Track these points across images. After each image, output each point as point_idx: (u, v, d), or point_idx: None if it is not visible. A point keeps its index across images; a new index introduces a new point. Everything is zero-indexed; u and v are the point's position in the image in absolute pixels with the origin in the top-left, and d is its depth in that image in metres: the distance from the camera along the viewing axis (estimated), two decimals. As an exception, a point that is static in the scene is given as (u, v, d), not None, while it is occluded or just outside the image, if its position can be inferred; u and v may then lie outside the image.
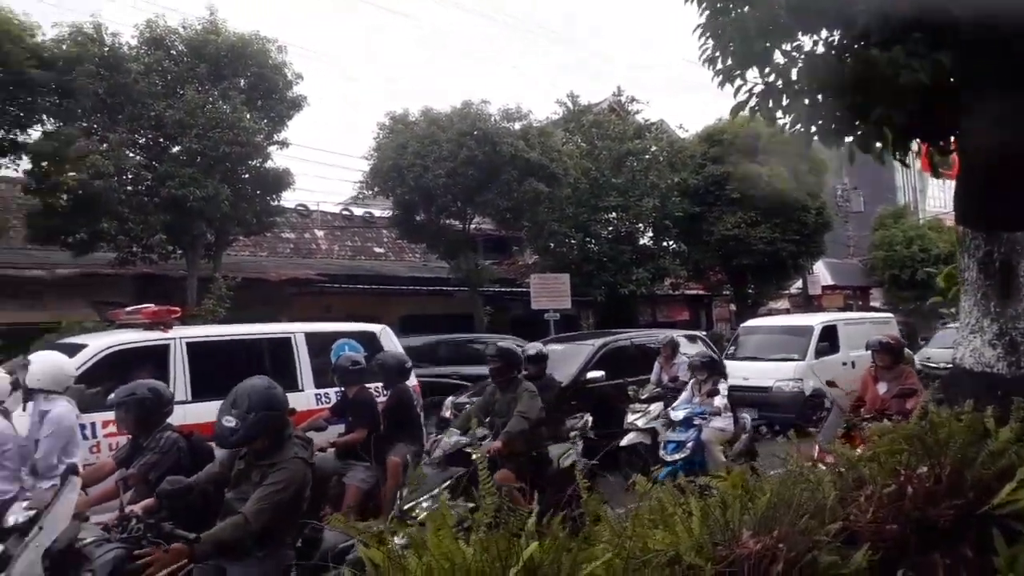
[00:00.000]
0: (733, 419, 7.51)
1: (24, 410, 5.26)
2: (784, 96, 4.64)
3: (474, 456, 5.23)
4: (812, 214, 22.10)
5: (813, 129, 4.77)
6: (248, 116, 14.72)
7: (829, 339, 13.70)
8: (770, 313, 23.91)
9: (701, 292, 26.89)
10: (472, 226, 18.98)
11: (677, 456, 7.02)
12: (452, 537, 2.51)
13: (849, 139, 4.78)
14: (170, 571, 3.18)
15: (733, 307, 26.55)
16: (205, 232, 15.01)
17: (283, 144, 15.84)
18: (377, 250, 23.40)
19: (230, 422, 3.73)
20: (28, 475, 5.01)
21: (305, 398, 7.55)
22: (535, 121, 17.95)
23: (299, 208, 22.29)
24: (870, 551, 3.09)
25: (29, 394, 5.19)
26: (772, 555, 2.95)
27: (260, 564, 3.60)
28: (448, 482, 4.91)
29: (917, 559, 3.38)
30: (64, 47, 13.35)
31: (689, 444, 7.06)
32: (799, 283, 28.58)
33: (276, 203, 16.34)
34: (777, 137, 16.90)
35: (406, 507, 4.86)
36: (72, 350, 6.67)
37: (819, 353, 13.30)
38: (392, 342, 8.48)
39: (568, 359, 10.24)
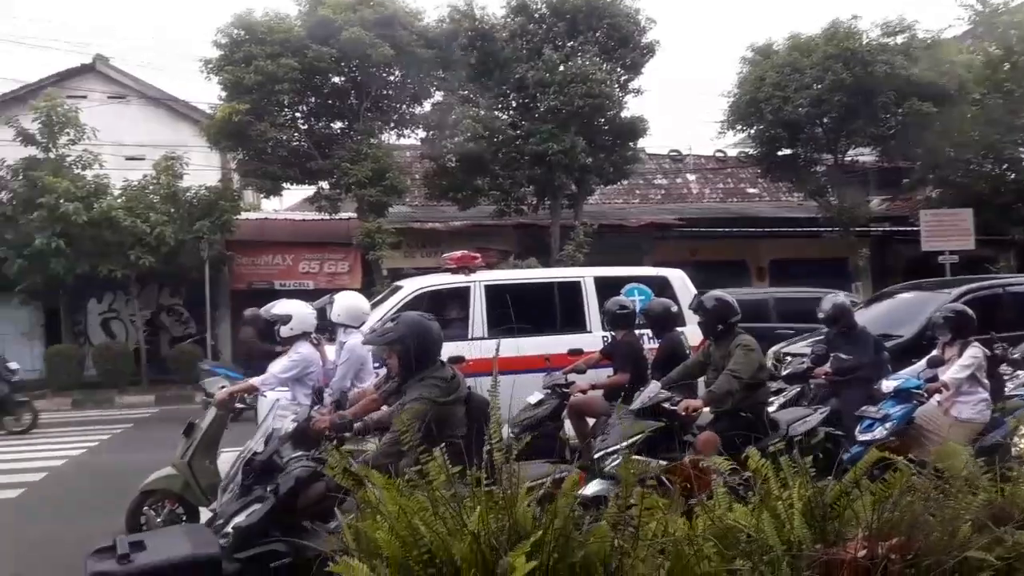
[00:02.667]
0: (989, 401, 5.57)
1: (331, 341, 6.38)
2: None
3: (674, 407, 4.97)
4: None
5: None
6: (604, 67, 15.22)
7: None
8: None
9: None
10: (847, 158, 17.07)
11: (869, 436, 5.40)
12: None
13: None
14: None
15: None
16: (566, 183, 16.01)
17: (637, 92, 16.04)
18: (750, 191, 22.42)
19: (383, 338, 4.16)
20: (328, 395, 6.09)
21: (593, 340, 7.78)
22: (922, 32, 15.35)
23: (671, 154, 22.37)
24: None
25: (333, 328, 6.27)
26: (879, 569, 2.36)
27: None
28: (637, 436, 4.72)
29: None
30: (443, 26, 15.24)
31: (889, 424, 5.42)
32: None
33: (631, 151, 16.64)
34: None
35: (597, 455, 4.82)
36: (394, 291, 7.86)
37: None
38: (687, 288, 8.22)
39: (914, 311, 8.80)
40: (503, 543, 2.18)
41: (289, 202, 23.43)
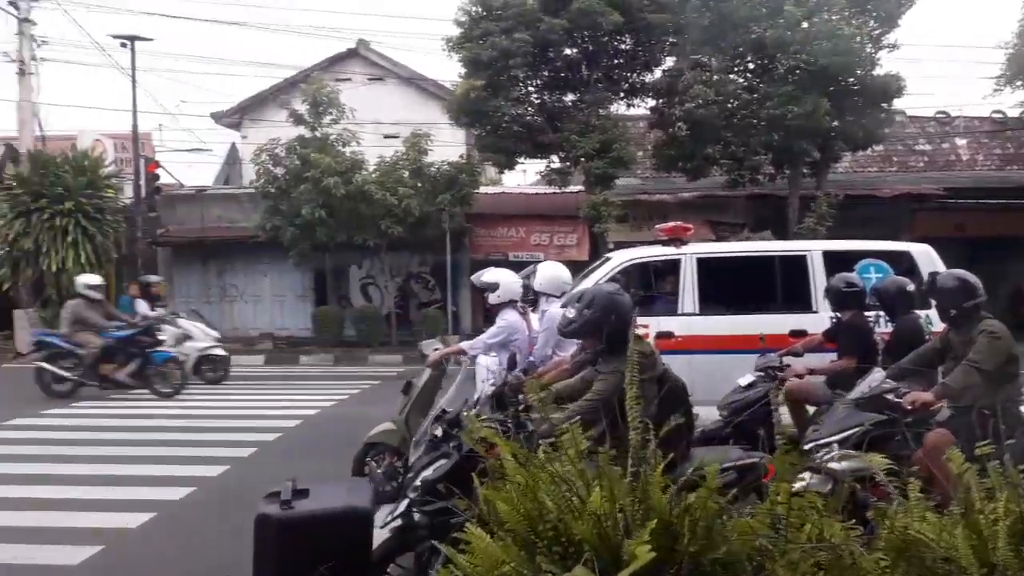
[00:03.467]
0: None
1: (534, 310, 6.51)
2: None
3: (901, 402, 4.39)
4: None
5: None
6: (853, 22, 13.86)
7: None
8: None
9: None
10: None
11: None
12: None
13: None
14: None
15: None
16: (807, 149, 14.87)
17: (892, 47, 14.39)
18: (1037, 156, 19.29)
19: (570, 313, 4.06)
20: (532, 361, 6.24)
21: (819, 321, 7.19)
22: None
23: (938, 116, 19.89)
24: None
25: (536, 296, 6.40)
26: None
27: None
28: (854, 431, 4.25)
29: None
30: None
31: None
32: None
33: (886, 113, 15.01)
34: None
35: (808, 445, 4.43)
36: (603, 262, 7.82)
37: None
38: (935, 266, 7.27)
39: None
40: (629, 528, 2.09)
41: (532, 176, 24.26)
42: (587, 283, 7.20)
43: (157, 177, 18.53)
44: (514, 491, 2.18)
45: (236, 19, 48.34)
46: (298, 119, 16.55)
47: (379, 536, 4.28)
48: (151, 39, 18.07)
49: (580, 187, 16.47)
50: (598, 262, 8.46)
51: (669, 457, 2.61)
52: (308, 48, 74.94)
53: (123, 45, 18.00)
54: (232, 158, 25.10)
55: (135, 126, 18.10)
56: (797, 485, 4.20)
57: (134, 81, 18.05)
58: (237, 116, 22.91)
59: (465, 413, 4.19)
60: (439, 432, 4.43)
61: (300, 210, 15.76)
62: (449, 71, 23.38)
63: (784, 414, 6.43)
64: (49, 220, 16.24)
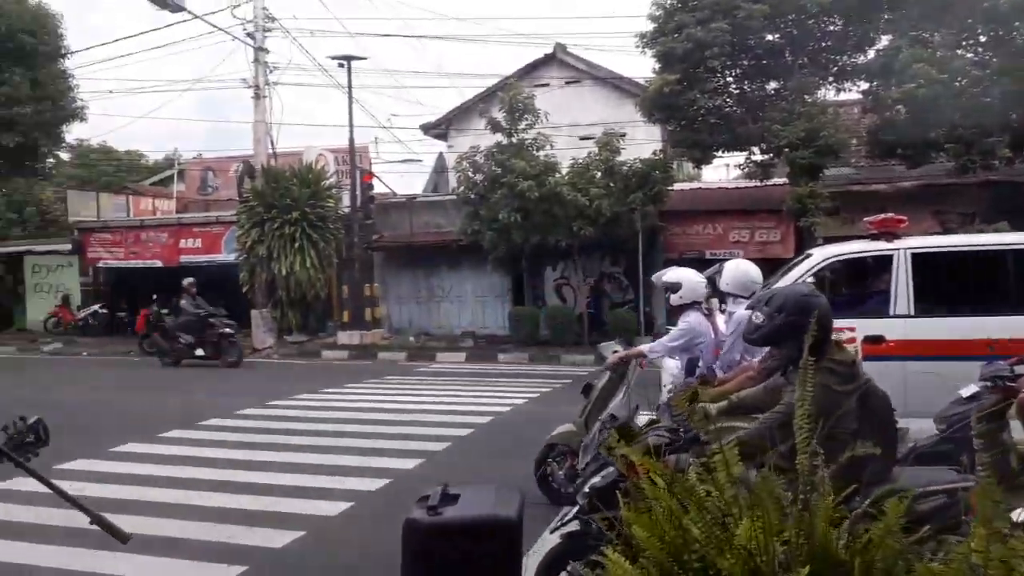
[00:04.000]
0: None
1: (721, 311, 6.16)
2: None
3: None
4: None
5: None
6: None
7: None
8: None
9: None
10: None
11: None
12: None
13: None
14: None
15: None
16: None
17: None
18: None
19: (758, 318, 3.71)
20: (718, 367, 5.92)
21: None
22: None
23: None
24: None
25: (723, 297, 6.05)
26: None
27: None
28: None
29: None
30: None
31: None
32: None
33: None
34: None
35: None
36: (804, 258, 7.26)
37: None
38: None
39: None
40: (790, 565, 1.86)
41: (735, 172, 23.31)
42: (784, 282, 6.72)
43: (371, 187, 19.92)
44: (660, 515, 2.02)
45: (442, 33, 50.85)
46: (495, 126, 17.05)
47: (551, 541, 4.25)
48: (365, 58, 19.50)
49: (784, 179, 15.51)
50: (797, 259, 7.87)
51: (852, 487, 2.32)
52: (510, 55, 77.56)
53: (340, 65, 19.55)
54: (440, 167, 26.41)
55: (351, 140, 19.58)
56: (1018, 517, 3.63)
57: (350, 98, 19.54)
58: (444, 127, 24.10)
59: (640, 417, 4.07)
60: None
61: (497, 214, 16.21)
62: (644, 68, 22.98)
63: (1017, 430, 5.61)
64: (279, 229, 18.03)
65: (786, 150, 14.06)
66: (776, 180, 15.77)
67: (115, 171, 36.09)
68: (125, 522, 3.25)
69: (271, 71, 20.20)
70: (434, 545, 2.32)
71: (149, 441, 8.33)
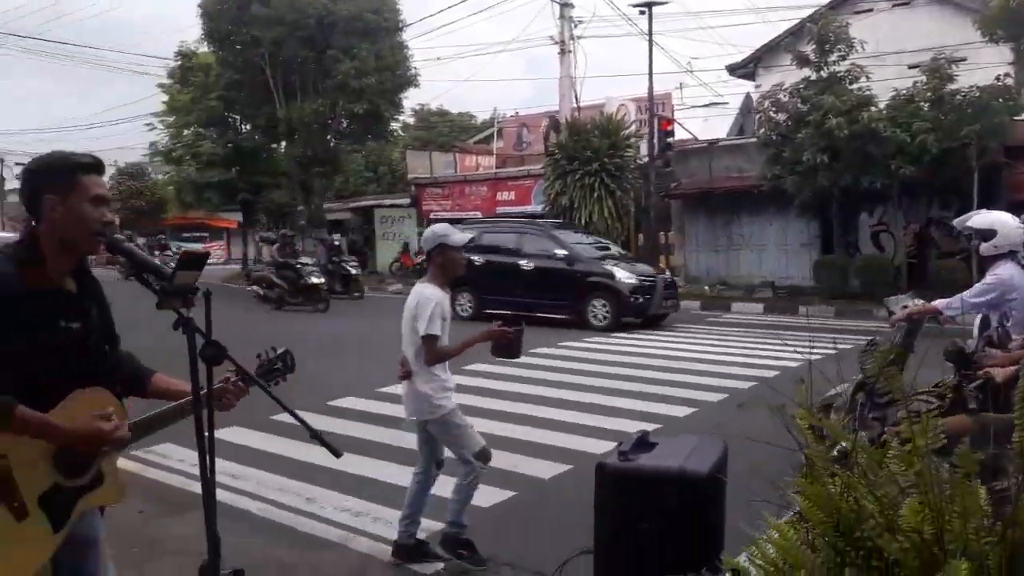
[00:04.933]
0: None
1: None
2: None
3: None
4: None
5: None
6: None
7: None
8: None
9: None
10: None
11: None
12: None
13: None
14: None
15: None
16: None
17: None
18: None
19: None
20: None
21: None
22: None
23: None
24: None
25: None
26: None
27: None
28: None
29: None
30: None
31: None
32: None
33: None
34: None
35: None
36: None
37: None
38: None
39: None
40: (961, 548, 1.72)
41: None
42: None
43: (670, 134, 19.77)
44: (836, 488, 1.95)
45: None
46: (802, 60, 15.84)
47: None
48: (667, 1, 19.18)
49: None
50: None
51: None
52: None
53: (641, 12, 19.49)
54: (746, 108, 25.29)
55: (651, 87, 19.55)
56: None
57: (651, 44, 19.47)
58: (751, 66, 22.92)
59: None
60: (861, 401, 4.06)
61: (801, 156, 15.18)
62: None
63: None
64: (580, 180, 18.74)
65: None
66: None
67: (449, 131, 40.12)
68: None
69: (575, 25, 20.81)
70: (617, 491, 2.44)
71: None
